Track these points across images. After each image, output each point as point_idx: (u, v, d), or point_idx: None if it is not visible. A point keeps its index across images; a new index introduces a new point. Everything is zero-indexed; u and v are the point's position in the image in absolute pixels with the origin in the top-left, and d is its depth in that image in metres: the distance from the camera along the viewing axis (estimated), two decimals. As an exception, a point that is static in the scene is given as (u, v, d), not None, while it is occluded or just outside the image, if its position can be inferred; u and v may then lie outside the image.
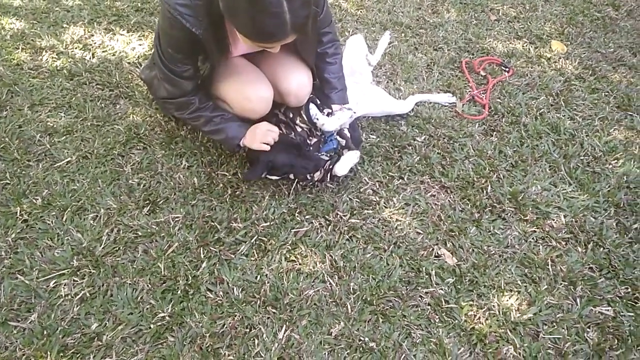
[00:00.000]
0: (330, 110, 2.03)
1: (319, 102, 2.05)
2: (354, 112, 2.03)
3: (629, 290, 1.82)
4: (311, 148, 2.02)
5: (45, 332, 1.56)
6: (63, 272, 1.71)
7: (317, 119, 1.99)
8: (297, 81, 1.97)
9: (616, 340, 1.68)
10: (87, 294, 1.67)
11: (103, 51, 2.68)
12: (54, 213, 1.88)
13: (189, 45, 1.68)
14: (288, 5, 1.40)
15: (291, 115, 2.05)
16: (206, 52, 1.73)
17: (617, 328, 1.71)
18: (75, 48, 2.68)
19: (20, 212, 1.87)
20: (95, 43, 2.73)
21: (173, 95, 1.87)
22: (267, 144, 1.87)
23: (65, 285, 1.68)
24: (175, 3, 1.55)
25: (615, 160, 2.31)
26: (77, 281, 1.70)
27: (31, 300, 1.64)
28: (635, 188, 2.18)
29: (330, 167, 2.01)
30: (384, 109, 2.39)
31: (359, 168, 2.17)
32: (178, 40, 1.67)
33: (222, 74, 1.93)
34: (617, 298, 1.79)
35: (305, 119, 2.01)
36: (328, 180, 2.06)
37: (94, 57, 2.64)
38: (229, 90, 1.94)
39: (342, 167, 1.98)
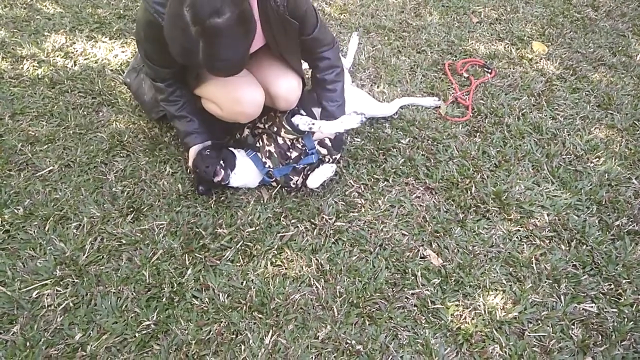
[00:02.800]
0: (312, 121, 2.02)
1: (304, 113, 2.05)
2: (364, 119, 1.98)
3: (612, 286, 1.84)
4: (291, 161, 2.02)
5: (28, 344, 1.54)
6: (46, 282, 1.70)
7: (313, 124, 1.96)
8: (287, 85, 1.98)
9: (600, 337, 1.69)
10: (71, 304, 1.65)
11: (85, 59, 2.67)
12: (36, 223, 1.86)
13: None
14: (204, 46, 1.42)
15: (275, 129, 2.04)
16: None
17: (601, 324, 1.72)
18: (57, 56, 2.66)
19: (1, 222, 1.85)
20: (77, 51, 2.71)
21: (152, 77, 1.91)
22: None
23: (48, 295, 1.67)
24: (154, 2, 1.55)
25: (597, 159, 2.34)
26: (60, 291, 1.68)
27: (13, 312, 1.62)
28: (617, 185, 2.21)
29: (309, 172, 2.02)
30: (368, 112, 2.39)
31: (344, 171, 2.18)
32: (156, 39, 1.66)
33: (212, 76, 1.91)
34: (601, 294, 1.81)
35: (290, 129, 1.99)
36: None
37: (75, 64, 2.62)
38: (219, 92, 1.93)
39: (314, 180, 1.99)
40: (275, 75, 1.99)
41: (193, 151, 1.98)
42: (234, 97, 1.90)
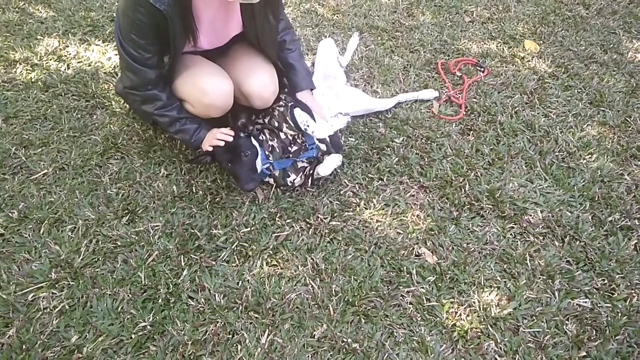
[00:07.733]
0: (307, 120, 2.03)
1: (304, 110, 2.06)
2: (349, 119, 2.04)
3: (606, 281, 1.85)
4: (291, 155, 2.03)
5: (24, 347, 1.54)
6: (41, 285, 1.70)
7: (308, 126, 1.98)
8: (259, 82, 1.98)
9: (594, 332, 1.71)
10: (67, 306, 1.65)
11: (78, 62, 2.66)
12: (30, 226, 1.86)
13: (152, 28, 1.66)
14: None
15: (276, 124, 2.05)
16: (169, 36, 1.69)
17: (595, 319, 1.74)
18: (50, 59, 2.65)
19: (-4, 226, 1.85)
20: (70, 54, 2.71)
21: (136, 84, 1.84)
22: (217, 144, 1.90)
23: (43, 298, 1.67)
24: None
25: (589, 155, 2.36)
26: (55, 294, 1.68)
27: (9, 315, 1.62)
28: (609, 182, 2.23)
29: (311, 172, 2.03)
30: (365, 106, 2.42)
31: (339, 171, 2.18)
32: (141, 24, 1.64)
33: (180, 71, 1.91)
34: (594, 290, 1.83)
35: (292, 125, 2.00)
36: (309, 184, 2.07)
37: (69, 68, 2.62)
38: (187, 86, 1.92)
39: (325, 168, 2.00)
40: (247, 72, 1.99)
41: (207, 142, 1.93)
42: (200, 88, 1.89)
